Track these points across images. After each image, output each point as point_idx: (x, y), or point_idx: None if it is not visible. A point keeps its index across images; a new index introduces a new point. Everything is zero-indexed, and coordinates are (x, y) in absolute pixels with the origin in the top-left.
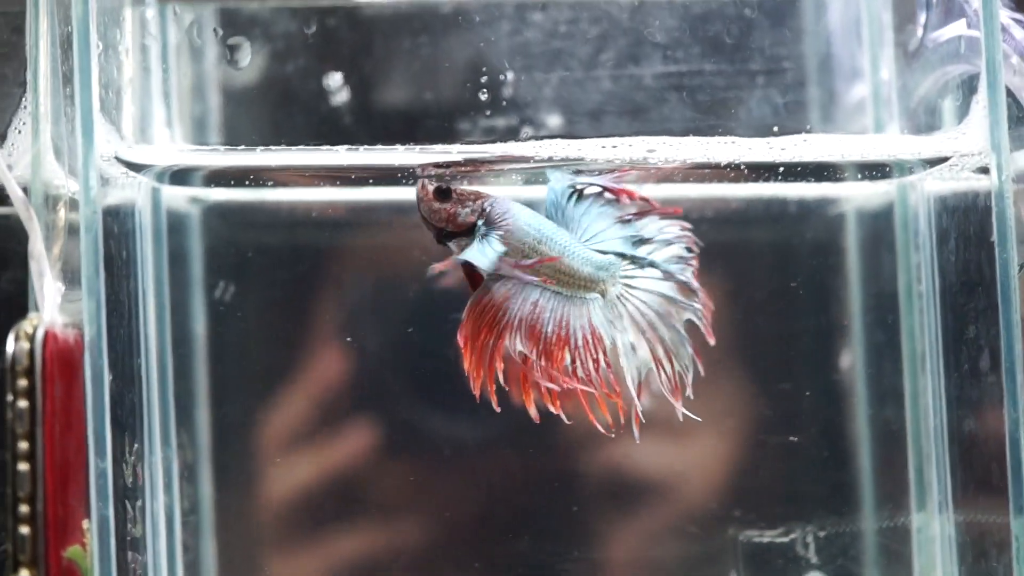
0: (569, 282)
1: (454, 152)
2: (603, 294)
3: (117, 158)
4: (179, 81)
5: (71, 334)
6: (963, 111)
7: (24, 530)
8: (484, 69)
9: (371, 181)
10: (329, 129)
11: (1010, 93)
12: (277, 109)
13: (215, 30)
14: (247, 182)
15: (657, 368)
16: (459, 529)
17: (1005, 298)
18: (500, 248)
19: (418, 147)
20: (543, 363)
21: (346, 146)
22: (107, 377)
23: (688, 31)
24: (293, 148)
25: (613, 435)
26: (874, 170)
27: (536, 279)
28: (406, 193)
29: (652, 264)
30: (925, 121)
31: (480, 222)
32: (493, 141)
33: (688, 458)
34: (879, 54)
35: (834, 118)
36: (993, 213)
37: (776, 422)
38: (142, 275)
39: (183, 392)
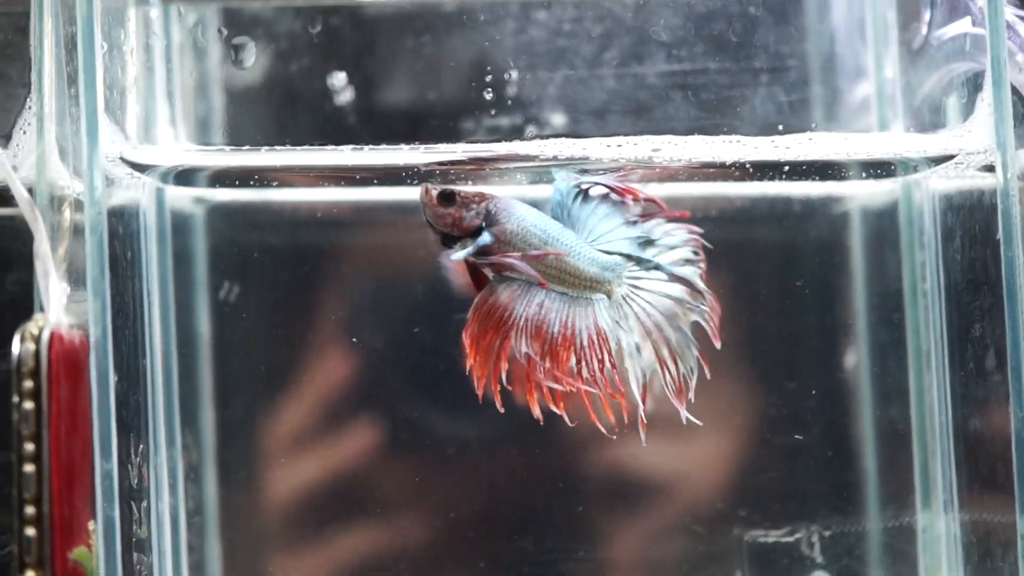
0: (574, 283)
1: (459, 151)
2: (609, 295)
3: (122, 158)
4: (183, 81)
5: (76, 335)
6: (968, 109)
7: (30, 531)
8: (488, 68)
9: (375, 181)
10: (333, 129)
11: (1015, 91)
12: (281, 109)
13: (220, 30)
14: (251, 182)
15: (662, 369)
16: (463, 529)
17: (1011, 296)
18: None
19: (422, 147)
20: (548, 364)
21: (350, 146)
22: (112, 378)
23: (692, 29)
24: (297, 148)
25: (615, 437)
26: (879, 168)
27: (537, 276)
28: (410, 193)
29: (658, 267)
30: (930, 119)
31: (484, 224)
32: (498, 140)
33: (693, 458)
34: (883, 52)
35: (838, 116)
36: (999, 211)
37: (781, 421)
38: (147, 276)
39: (188, 393)
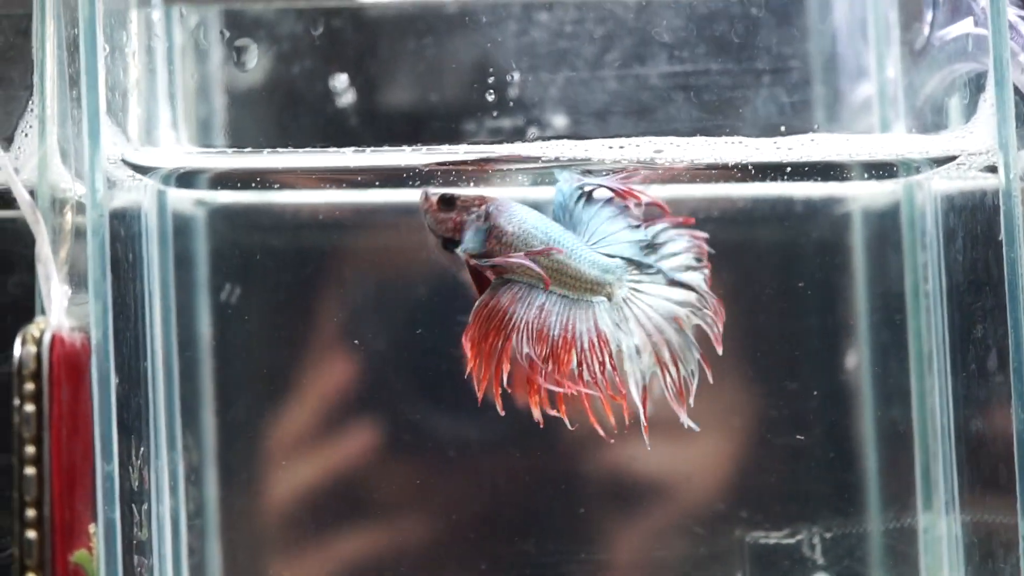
0: (575, 285)
1: (460, 153)
2: (609, 297)
3: (123, 161)
4: (185, 83)
5: (78, 337)
6: (970, 110)
7: (31, 534)
8: (490, 70)
9: (377, 183)
10: (335, 131)
11: (1017, 91)
12: (283, 111)
13: (222, 32)
14: (253, 184)
15: (663, 372)
16: (465, 530)
17: (1013, 297)
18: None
19: (425, 148)
20: (549, 366)
21: (352, 148)
22: (113, 380)
23: (694, 30)
24: (299, 150)
25: (612, 440)
26: (881, 169)
27: (542, 272)
28: (413, 195)
29: (659, 271)
30: (932, 120)
31: (486, 226)
32: (500, 142)
33: (694, 459)
34: (885, 53)
35: (840, 117)
36: (1001, 212)
37: (782, 422)
38: (148, 278)
39: (189, 395)
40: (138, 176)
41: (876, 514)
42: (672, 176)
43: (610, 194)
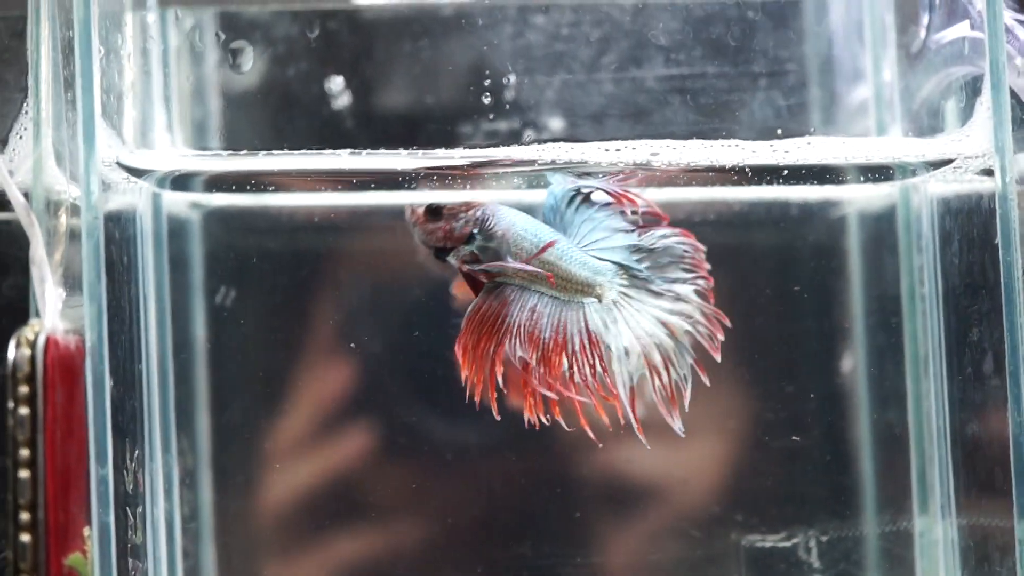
0: (565, 286)
1: (456, 156)
2: (600, 299)
3: (118, 163)
4: (180, 85)
5: (72, 340)
6: (966, 113)
7: (25, 537)
8: (486, 72)
9: (373, 185)
10: (331, 133)
11: (1014, 95)
12: (278, 113)
13: (217, 34)
14: (248, 187)
15: (652, 374)
16: (461, 534)
17: (1009, 301)
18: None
19: (420, 151)
20: (542, 369)
21: (348, 150)
22: (108, 383)
23: (690, 33)
24: (295, 152)
25: (601, 445)
26: (877, 172)
27: (541, 271)
28: (408, 198)
29: (648, 279)
30: (928, 123)
31: (475, 231)
32: (496, 145)
33: (690, 462)
34: (881, 55)
35: (836, 120)
36: (997, 215)
37: (778, 425)
38: (143, 281)
39: (184, 398)
40: (133, 179)
41: (872, 517)
42: (668, 179)
43: (604, 198)
